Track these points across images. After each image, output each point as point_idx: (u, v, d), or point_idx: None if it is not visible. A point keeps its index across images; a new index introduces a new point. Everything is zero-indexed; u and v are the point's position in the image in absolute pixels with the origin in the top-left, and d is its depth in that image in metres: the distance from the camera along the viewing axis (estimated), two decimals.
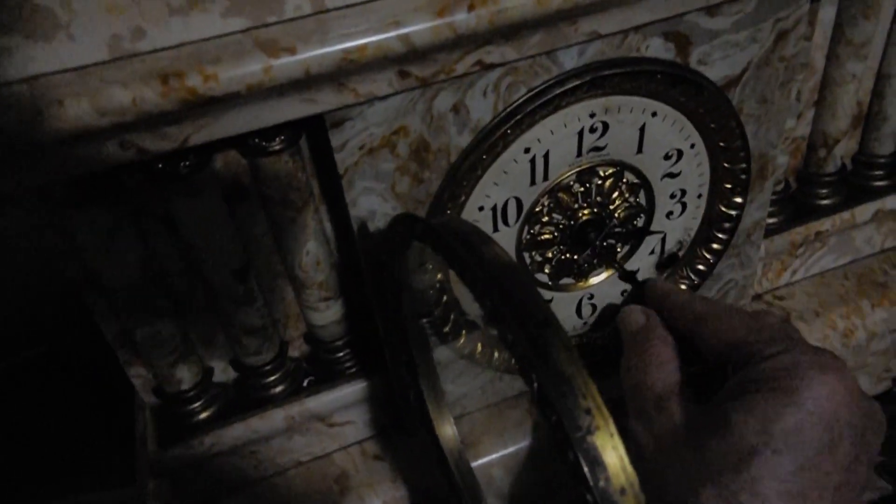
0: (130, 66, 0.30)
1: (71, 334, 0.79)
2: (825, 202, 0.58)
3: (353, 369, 0.50)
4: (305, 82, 0.32)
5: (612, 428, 0.24)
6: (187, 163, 0.37)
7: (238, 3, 0.32)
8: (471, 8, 0.33)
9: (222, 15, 0.32)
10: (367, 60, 0.33)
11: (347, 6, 0.34)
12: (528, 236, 0.47)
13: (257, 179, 0.40)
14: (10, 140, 0.29)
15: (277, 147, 0.38)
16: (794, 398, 0.33)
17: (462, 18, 0.33)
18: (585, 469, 0.24)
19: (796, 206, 0.58)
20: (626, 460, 0.25)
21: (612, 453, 0.24)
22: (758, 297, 0.61)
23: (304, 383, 0.50)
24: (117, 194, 0.38)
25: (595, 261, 0.51)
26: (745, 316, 0.40)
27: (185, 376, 0.46)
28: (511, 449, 0.52)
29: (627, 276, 0.51)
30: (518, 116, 0.41)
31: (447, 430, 0.47)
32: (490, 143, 0.41)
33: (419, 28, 0.33)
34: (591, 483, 0.24)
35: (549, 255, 0.49)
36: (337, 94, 0.34)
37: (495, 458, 0.52)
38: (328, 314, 0.47)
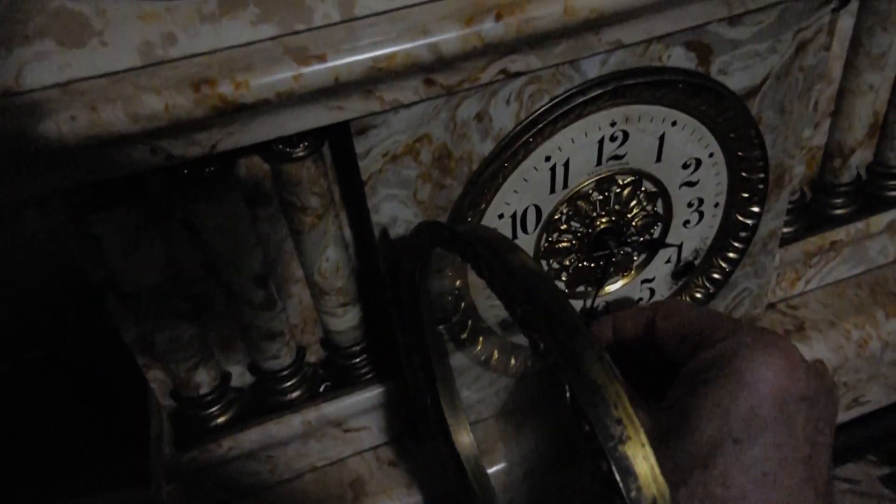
0: (162, 73, 0.30)
1: (76, 336, 0.79)
2: (840, 212, 0.58)
3: (370, 375, 0.50)
4: (334, 90, 0.33)
5: (643, 438, 0.24)
6: (212, 168, 0.37)
7: (268, 11, 0.32)
8: (498, 17, 0.33)
9: (252, 23, 0.32)
10: (395, 68, 0.33)
11: (376, 14, 0.34)
12: (547, 244, 0.48)
13: (280, 185, 0.41)
14: (43, 144, 0.29)
15: (301, 153, 0.39)
16: (743, 382, 0.33)
17: (490, 27, 0.33)
18: (618, 478, 0.24)
19: (811, 215, 0.59)
20: (657, 470, 0.25)
21: (644, 463, 0.24)
22: (772, 306, 0.61)
23: (321, 388, 0.50)
24: (141, 198, 0.38)
25: (611, 269, 0.51)
26: (694, 309, 0.40)
27: (204, 380, 0.46)
28: (527, 456, 0.52)
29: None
30: (540, 125, 0.41)
31: (464, 437, 0.47)
32: (512, 152, 0.41)
33: (447, 37, 0.33)
34: (624, 493, 0.24)
35: (567, 262, 0.49)
36: (364, 102, 0.35)
37: (511, 464, 0.52)
38: (346, 320, 0.48)
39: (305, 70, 0.31)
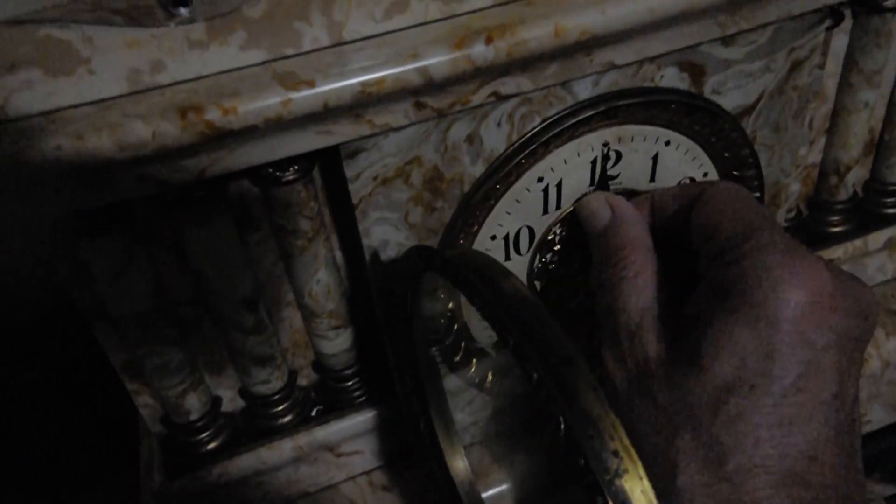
0: (150, 100, 0.30)
1: (65, 359, 0.79)
2: (837, 229, 0.58)
3: (362, 398, 0.50)
4: (323, 115, 0.32)
5: (641, 471, 0.23)
6: (200, 192, 0.37)
7: (256, 37, 0.32)
8: (489, 40, 0.33)
9: (241, 48, 0.32)
10: (385, 93, 0.32)
11: (365, 38, 0.34)
12: (540, 265, 0.47)
13: (269, 208, 0.40)
14: (29, 173, 0.29)
15: (291, 177, 0.38)
16: (764, 317, 0.30)
17: (480, 51, 0.33)
18: None
19: (808, 233, 0.58)
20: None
21: (642, 497, 0.24)
22: None
23: (313, 412, 0.49)
24: (128, 223, 0.38)
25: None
26: (739, 201, 0.35)
27: (194, 406, 0.45)
28: (522, 479, 0.51)
29: None
30: (532, 146, 0.40)
31: (458, 461, 0.47)
32: (504, 173, 0.41)
33: (437, 61, 0.32)
34: None
35: (561, 283, 0.49)
36: (353, 126, 0.34)
37: (506, 488, 0.51)
38: (337, 343, 0.47)
39: (294, 95, 0.31)
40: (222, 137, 0.31)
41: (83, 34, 0.29)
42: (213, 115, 0.30)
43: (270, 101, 0.31)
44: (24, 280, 0.77)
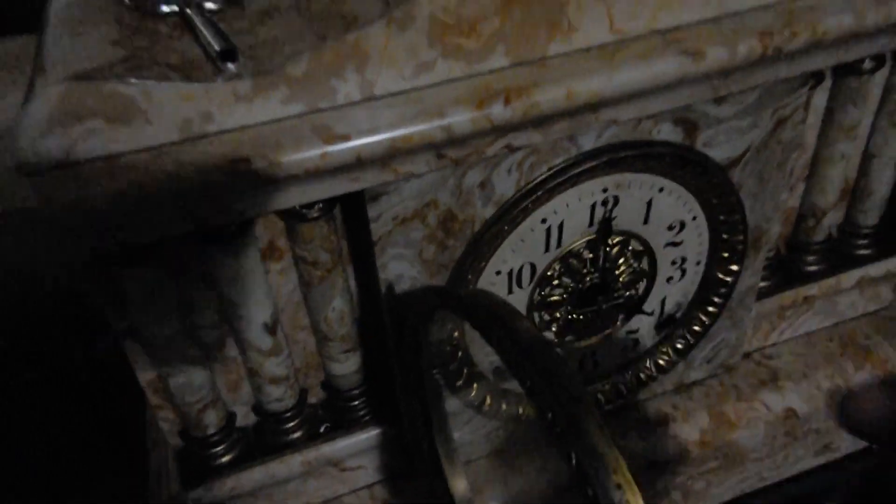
0: (200, 147, 0.33)
1: (66, 357, 0.80)
2: (813, 268, 0.62)
3: (368, 417, 0.53)
4: (355, 165, 0.35)
5: (640, 501, 0.27)
6: (232, 228, 0.40)
7: (296, 92, 0.35)
8: (507, 101, 0.37)
9: (282, 102, 0.35)
10: (411, 147, 0.36)
11: (393, 94, 0.37)
12: (539, 297, 0.51)
13: (293, 241, 0.43)
14: (89, 211, 0.32)
15: (315, 214, 0.41)
16: None
17: (499, 111, 0.36)
18: None
19: (785, 271, 0.62)
20: None
21: None
22: (747, 355, 0.65)
23: (321, 429, 0.52)
24: (161, 255, 0.41)
25: (599, 322, 0.54)
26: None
27: (212, 421, 0.48)
28: (518, 495, 0.55)
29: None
30: (538, 192, 0.44)
31: (458, 479, 0.50)
32: (511, 216, 0.44)
33: (460, 119, 0.36)
34: None
35: (558, 314, 0.52)
36: (380, 173, 0.37)
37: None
38: (347, 365, 0.50)
39: (330, 149, 0.34)
40: (265, 184, 0.34)
41: (143, 89, 0.32)
42: (260, 164, 0.33)
43: (310, 154, 0.34)
44: (24, 280, 0.78)
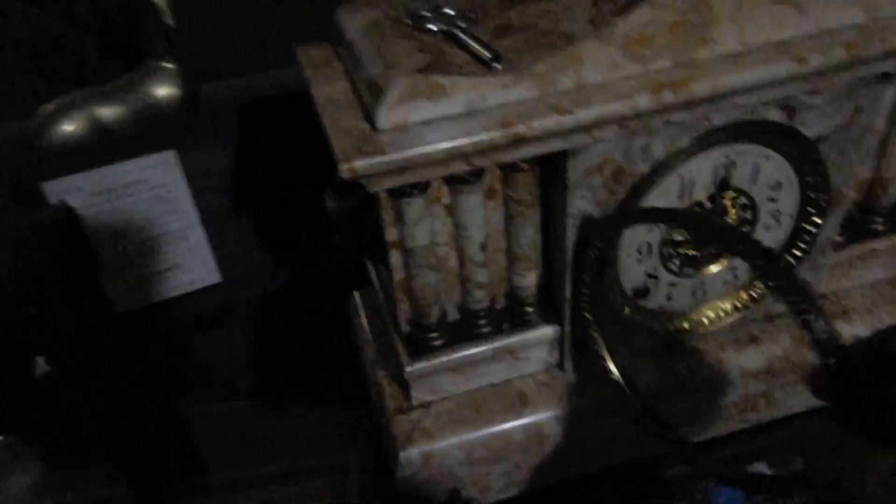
0: (478, 119, 0.53)
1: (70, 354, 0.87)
2: (879, 227, 0.79)
3: (536, 319, 0.72)
4: (572, 131, 0.54)
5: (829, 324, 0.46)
6: (471, 173, 0.59)
7: (537, 83, 0.54)
8: (672, 90, 0.55)
9: (527, 89, 0.54)
10: (609, 119, 0.54)
11: (595, 85, 0.56)
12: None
13: (507, 185, 0.62)
14: (408, 166, 0.51)
15: (526, 167, 0.60)
16: None
17: (667, 97, 0.55)
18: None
19: (857, 228, 0.79)
20: None
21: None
22: (823, 296, 0.81)
23: (503, 326, 0.72)
24: (424, 190, 0.60)
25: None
26: None
27: (434, 315, 0.68)
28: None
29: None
30: (680, 156, 0.62)
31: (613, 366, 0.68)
32: (660, 172, 0.63)
33: (642, 102, 0.54)
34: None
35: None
36: (583, 137, 0.56)
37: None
38: (527, 278, 0.69)
39: (562, 118, 0.53)
40: (519, 143, 0.53)
41: (451, 80, 0.52)
42: (520, 128, 0.52)
43: (548, 121, 0.53)
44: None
